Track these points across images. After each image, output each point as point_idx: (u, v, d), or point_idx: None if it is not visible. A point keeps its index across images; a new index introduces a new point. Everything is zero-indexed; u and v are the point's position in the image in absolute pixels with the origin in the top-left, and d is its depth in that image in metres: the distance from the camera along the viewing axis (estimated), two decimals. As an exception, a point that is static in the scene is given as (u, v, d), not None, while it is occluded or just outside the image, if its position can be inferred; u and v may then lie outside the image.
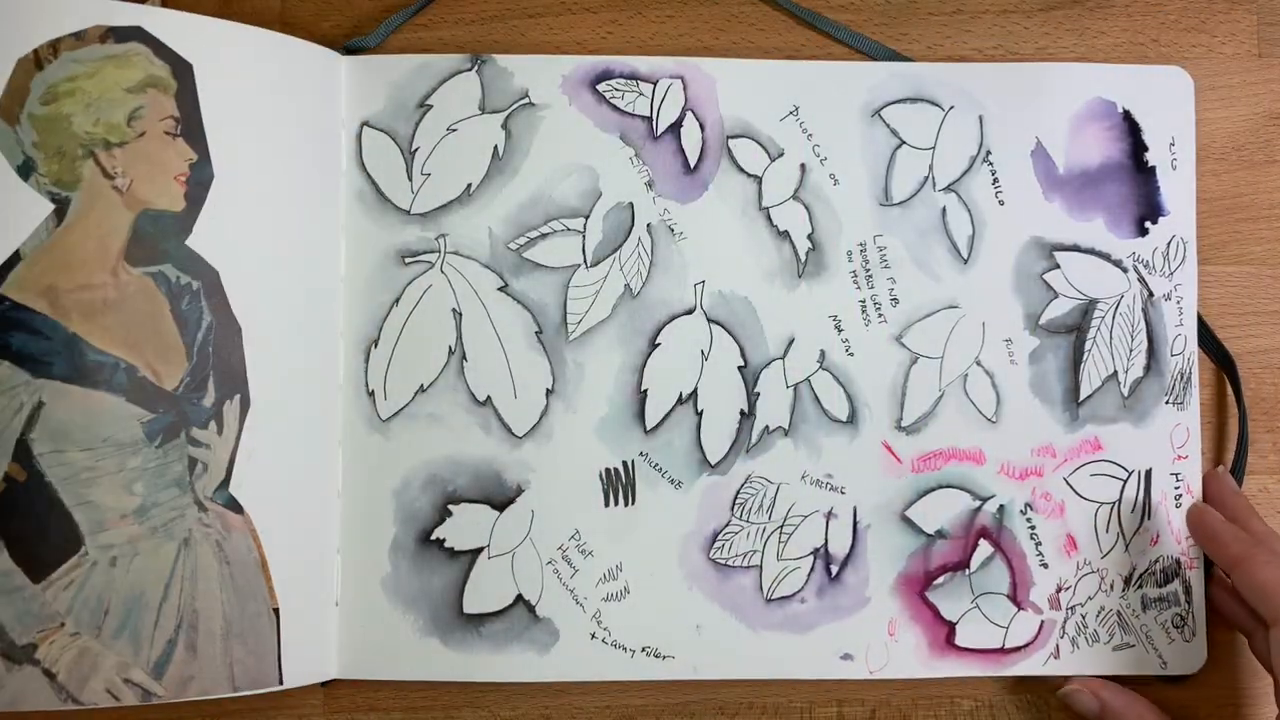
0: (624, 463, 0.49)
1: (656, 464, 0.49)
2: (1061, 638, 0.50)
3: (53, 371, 0.41)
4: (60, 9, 0.42)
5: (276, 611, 0.45)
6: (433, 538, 0.48)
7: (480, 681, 0.48)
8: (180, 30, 0.44)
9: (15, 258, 0.41)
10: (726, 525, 0.49)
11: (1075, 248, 0.51)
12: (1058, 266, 0.50)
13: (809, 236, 0.50)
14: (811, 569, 0.49)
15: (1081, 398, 0.50)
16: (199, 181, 0.44)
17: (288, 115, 0.46)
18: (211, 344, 0.43)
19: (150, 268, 0.43)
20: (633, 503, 0.49)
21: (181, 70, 0.44)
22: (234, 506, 0.44)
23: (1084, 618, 0.50)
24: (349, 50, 0.49)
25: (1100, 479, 0.50)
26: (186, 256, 0.43)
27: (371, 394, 0.48)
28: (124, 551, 0.42)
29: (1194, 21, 0.53)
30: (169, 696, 0.42)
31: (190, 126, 0.44)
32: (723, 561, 0.49)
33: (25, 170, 0.42)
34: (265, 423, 0.45)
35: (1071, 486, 0.50)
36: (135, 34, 0.43)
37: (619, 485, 0.49)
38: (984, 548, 0.50)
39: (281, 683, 0.45)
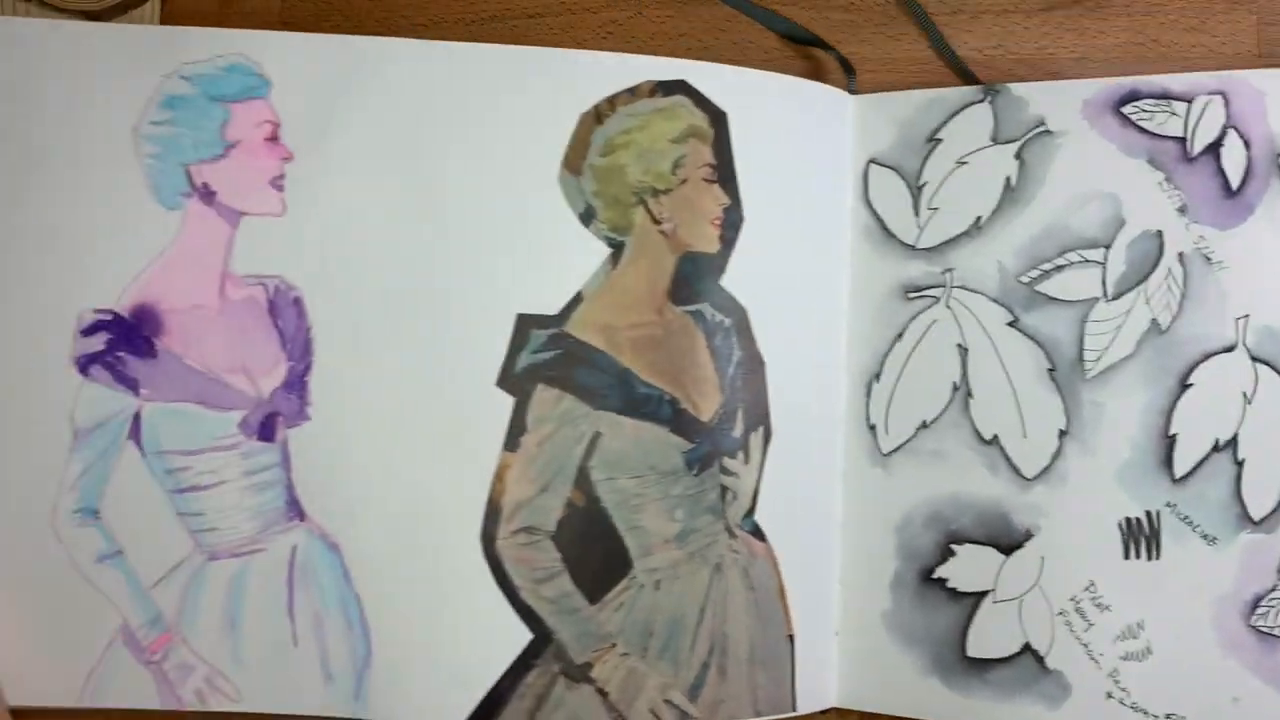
0: (1147, 513, 0.46)
1: (1185, 516, 0.46)
2: None
3: (608, 403, 0.46)
4: (616, 67, 0.47)
5: (791, 638, 0.47)
6: (935, 576, 0.48)
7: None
8: (717, 81, 0.47)
9: (577, 298, 0.46)
10: (1272, 590, 0.45)
11: None
12: None
13: (1382, 265, 0.45)
14: (1383, 648, 0.44)
15: None
16: (731, 224, 0.47)
17: (803, 156, 0.48)
18: (740, 378, 0.47)
19: (690, 306, 0.46)
20: (1157, 556, 0.46)
21: (717, 119, 0.47)
22: (758, 534, 0.47)
23: None
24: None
25: None
26: (720, 295, 0.47)
27: (873, 428, 0.49)
28: (666, 575, 0.46)
29: (1194, 21, 0.51)
30: (701, 718, 0.46)
31: (724, 172, 0.47)
32: (1268, 630, 0.45)
33: (587, 217, 0.47)
34: (783, 453, 0.47)
35: None
36: (679, 87, 0.47)
37: (1141, 537, 0.46)
38: None
39: (795, 708, 0.47)
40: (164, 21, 0.51)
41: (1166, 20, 0.51)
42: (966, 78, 0.50)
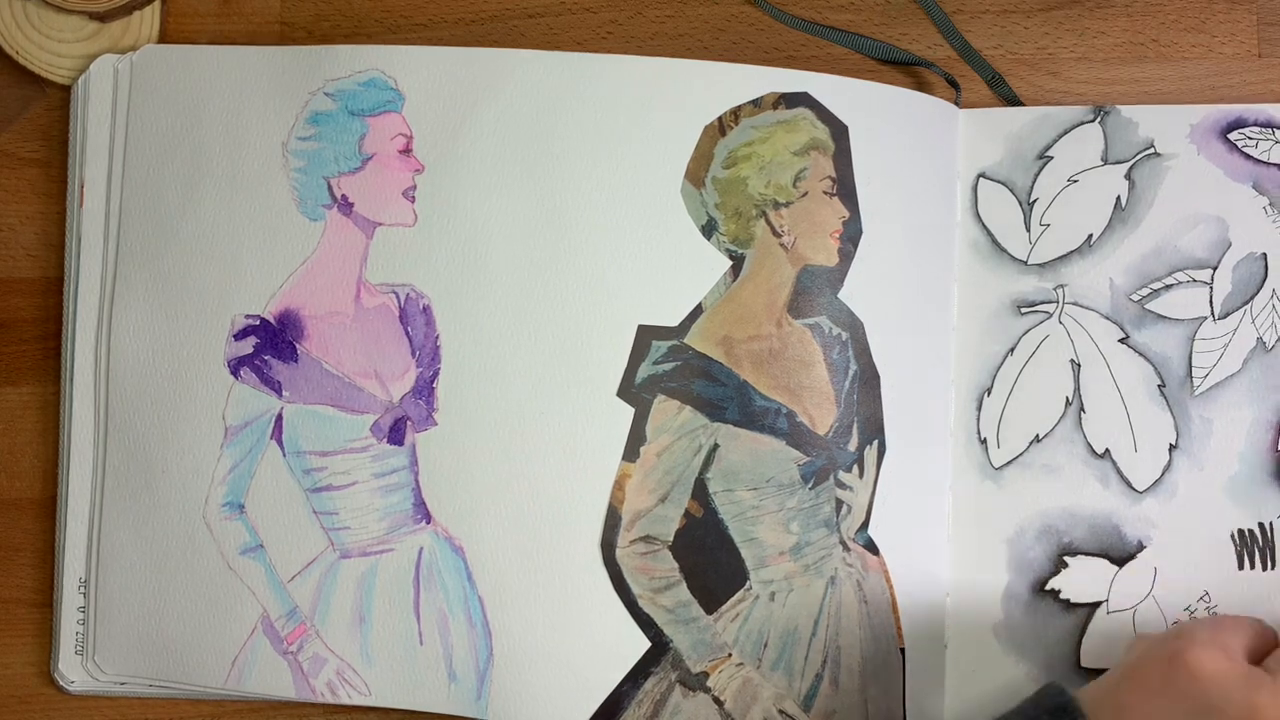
0: (1260, 524, 0.52)
1: (1299, 529, 0.52)
2: None
3: (726, 416, 0.52)
4: (741, 78, 0.53)
5: (903, 651, 0.53)
6: (1047, 588, 0.54)
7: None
8: (839, 93, 0.53)
9: (698, 310, 0.52)
10: (1385, 602, 0.51)
11: None
12: None
13: None
14: None
15: None
16: (850, 238, 0.53)
17: (917, 170, 0.55)
18: (856, 391, 0.53)
19: (808, 319, 0.53)
20: (1272, 567, 0.52)
21: (839, 132, 0.53)
22: (871, 548, 0.53)
23: None
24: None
25: None
26: (838, 309, 0.53)
27: (984, 442, 0.55)
28: (781, 587, 0.52)
29: (1194, 21, 0.56)
30: (820, 729, 0.52)
31: (844, 186, 0.53)
32: (1381, 641, 0.50)
33: (708, 230, 0.53)
34: (897, 468, 0.53)
35: None
36: (802, 99, 0.53)
37: (1255, 548, 0.52)
38: None
39: None
40: (165, 21, 0.55)
41: (1166, 20, 0.57)
42: (982, 70, 0.56)
